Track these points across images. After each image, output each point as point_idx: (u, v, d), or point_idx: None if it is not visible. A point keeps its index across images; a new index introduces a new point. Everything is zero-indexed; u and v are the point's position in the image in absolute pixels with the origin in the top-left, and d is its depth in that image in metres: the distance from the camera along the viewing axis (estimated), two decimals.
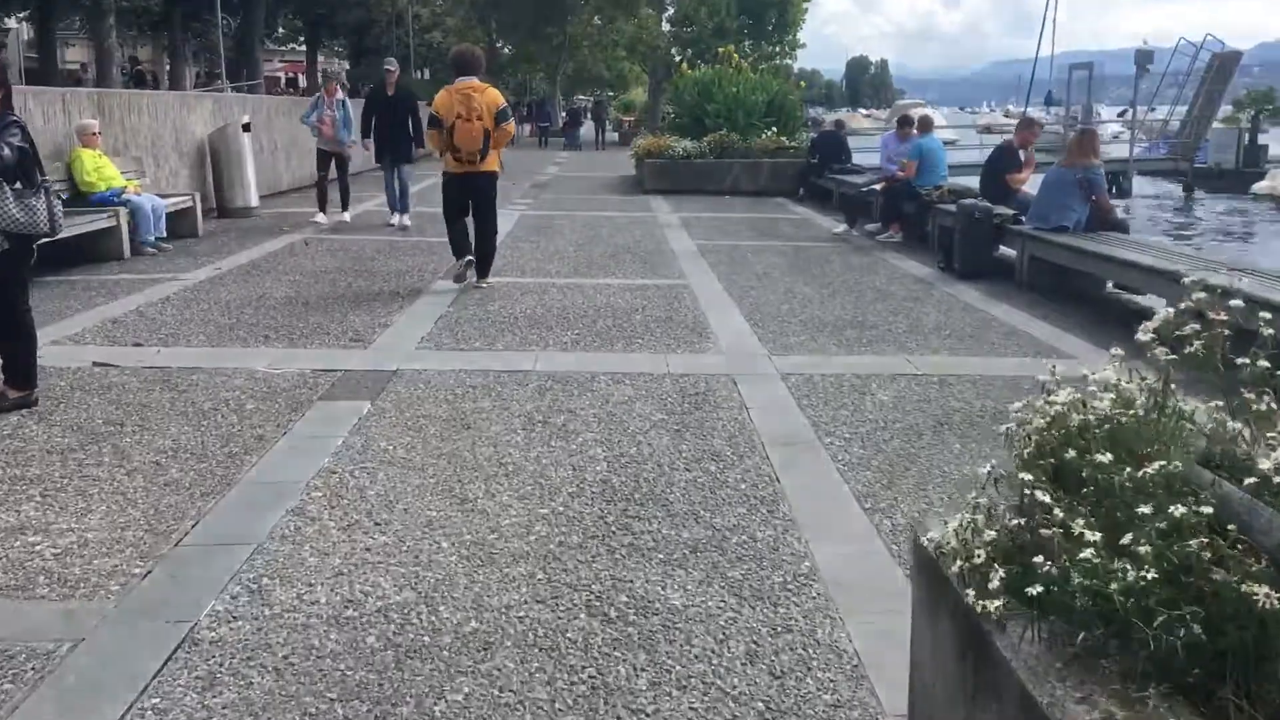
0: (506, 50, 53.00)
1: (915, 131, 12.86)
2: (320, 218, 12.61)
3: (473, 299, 8.08)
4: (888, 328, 7.28)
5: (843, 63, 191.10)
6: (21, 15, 28.32)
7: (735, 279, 9.27)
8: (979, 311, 7.92)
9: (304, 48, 54.35)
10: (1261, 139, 29.90)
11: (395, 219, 12.45)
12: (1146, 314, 2.20)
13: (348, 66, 58.61)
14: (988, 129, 63.67)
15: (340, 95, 12.88)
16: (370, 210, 13.82)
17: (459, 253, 8.72)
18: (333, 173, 12.94)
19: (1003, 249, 9.74)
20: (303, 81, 52.95)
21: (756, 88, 19.62)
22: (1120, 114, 49.47)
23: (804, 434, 4.87)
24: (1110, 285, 8.74)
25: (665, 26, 42.62)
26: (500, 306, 7.84)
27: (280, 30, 57.52)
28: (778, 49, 43.50)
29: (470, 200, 8.58)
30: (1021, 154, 10.09)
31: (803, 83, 25.95)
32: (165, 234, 10.45)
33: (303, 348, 6.41)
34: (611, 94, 69.91)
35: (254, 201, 13.84)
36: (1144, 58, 26.49)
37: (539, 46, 49.26)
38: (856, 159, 17.37)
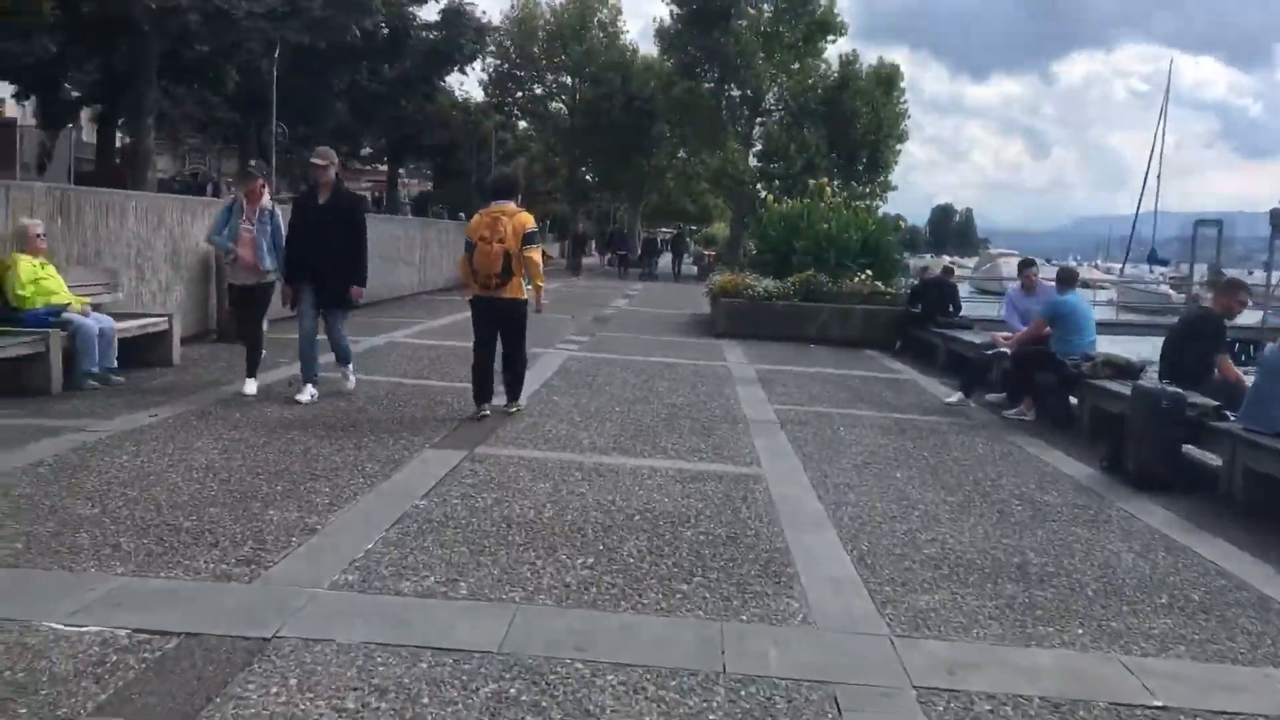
0: (590, 178, 52.24)
1: (1053, 284, 10.49)
2: (250, 386, 8.42)
3: (458, 489, 5.78)
4: (1066, 582, 4.78)
5: (926, 209, 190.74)
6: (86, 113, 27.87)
7: (826, 469, 6.88)
8: (1191, 554, 5.37)
9: (386, 166, 54.25)
10: None
11: (306, 393, 8.20)
12: None
13: (430, 187, 58.71)
14: (1085, 284, 61.22)
15: (267, 201, 8.61)
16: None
17: (477, 397, 8.07)
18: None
19: (1188, 446, 7.22)
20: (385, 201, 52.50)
21: (850, 225, 17.51)
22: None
23: None
24: None
25: (752, 161, 41.25)
26: (495, 500, 5.53)
27: (367, 149, 57.85)
28: (868, 190, 41.76)
29: (497, 329, 8.04)
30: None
31: (902, 221, 23.85)
32: (116, 363, 8.45)
33: (154, 574, 4.13)
34: (694, 228, 69.09)
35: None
36: None
37: (622, 175, 48.44)
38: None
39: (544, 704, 3.19)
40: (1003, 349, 9.72)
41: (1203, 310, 7.84)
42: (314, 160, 8.41)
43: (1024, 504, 6.27)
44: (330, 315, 8.54)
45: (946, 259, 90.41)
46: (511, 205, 7.89)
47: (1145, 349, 22.59)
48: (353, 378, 8.88)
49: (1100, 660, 3.84)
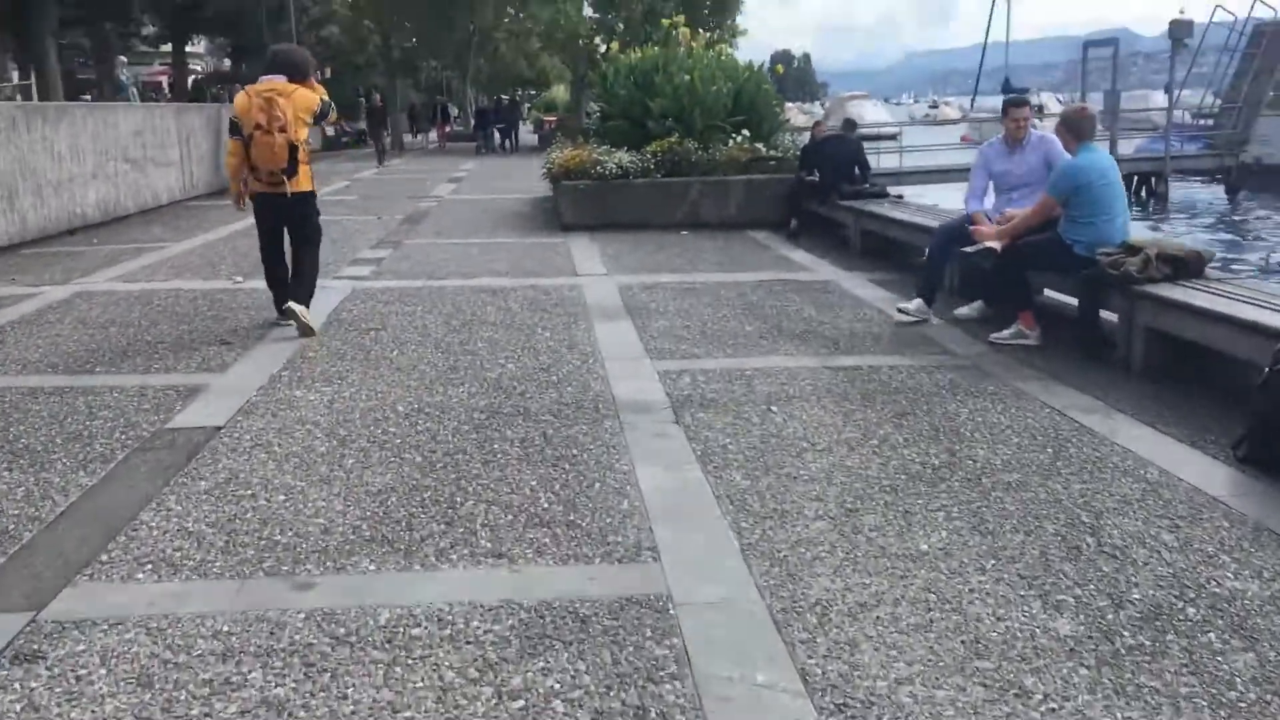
0: (410, 43, 46.54)
1: (1042, 133, 7.19)
2: None
3: None
4: None
5: (763, 56, 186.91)
6: None
7: (788, 555, 3.51)
8: None
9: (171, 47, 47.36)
10: None
11: None
12: None
13: (228, 64, 51.92)
14: (936, 120, 58.43)
15: None
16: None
17: (276, 301, 7.07)
18: None
19: None
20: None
21: (717, 75, 13.87)
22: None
23: None
24: None
25: (587, 11, 36.74)
26: None
27: (150, 28, 50.61)
28: (716, 35, 37.88)
29: (285, 228, 7.01)
30: None
31: (779, 66, 20.33)
32: None
33: None
34: (534, 92, 63.73)
35: None
36: (1182, 29, 21.28)
37: (444, 39, 43.18)
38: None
39: None
40: (989, 244, 6.41)
41: None
42: None
43: (1235, 648, 3.04)
44: None
45: (790, 106, 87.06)
46: (284, 81, 6.66)
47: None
48: None
49: None
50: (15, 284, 8.92)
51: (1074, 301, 6.80)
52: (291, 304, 6.74)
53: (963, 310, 7.11)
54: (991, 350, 6.30)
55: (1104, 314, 6.09)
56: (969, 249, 6.56)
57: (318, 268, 7.23)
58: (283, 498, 4.00)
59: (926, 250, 7.64)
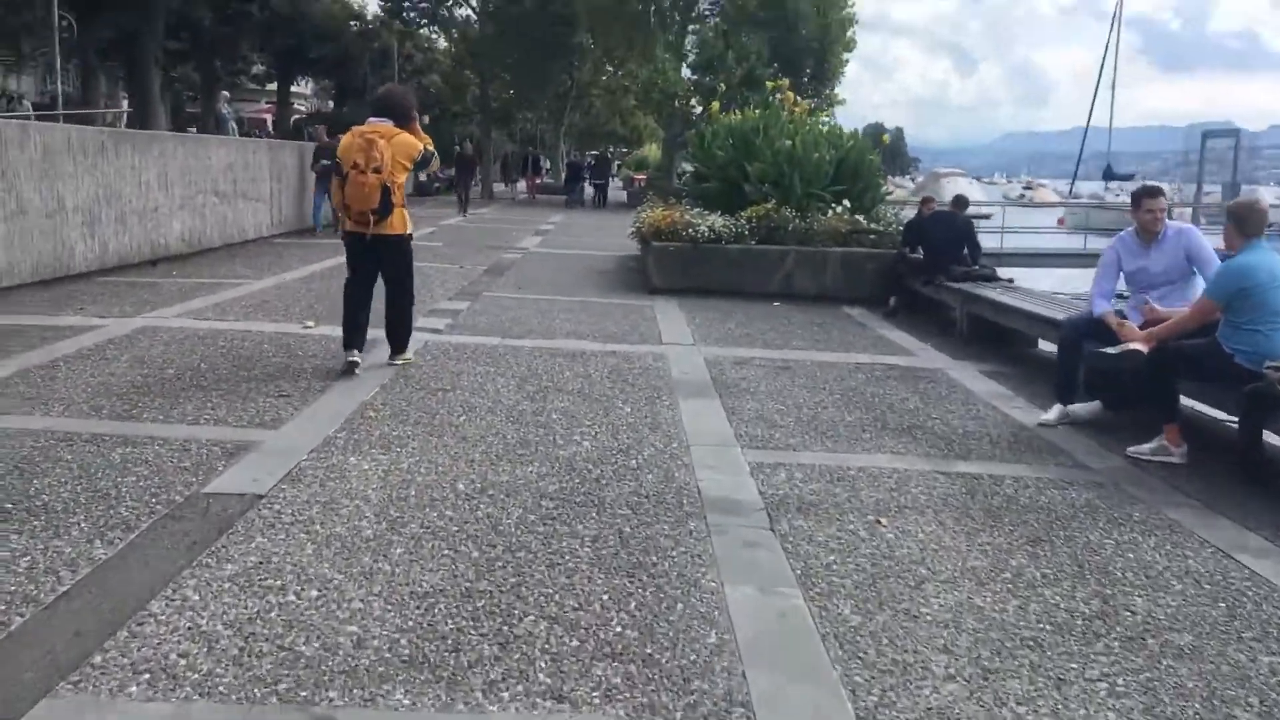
0: (508, 94, 47.03)
1: (1182, 225, 6.46)
2: None
3: None
4: None
5: (858, 128, 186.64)
6: None
7: (903, 705, 2.84)
8: None
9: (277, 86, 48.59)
10: None
11: None
12: None
13: (331, 106, 53.06)
14: (1031, 202, 57.06)
15: None
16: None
17: (347, 344, 6.84)
18: None
19: None
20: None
21: (820, 142, 13.32)
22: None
23: None
24: None
25: (685, 73, 36.64)
26: None
27: (258, 67, 52.04)
28: (814, 104, 37.50)
29: (376, 267, 6.93)
30: None
31: (886, 136, 19.74)
32: None
33: None
34: (626, 150, 64.12)
35: None
36: None
37: (541, 93, 43.52)
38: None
39: None
40: (1135, 346, 5.68)
41: None
42: None
43: None
44: None
45: (892, 180, 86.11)
46: (388, 125, 6.64)
47: None
48: None
49: None
50: (83, 314, 8.65)
51: (1221, 414, 6.07)
52: (393, 359, 7.13)
53: (1076, 407, 6.35)
54: (1129, 466, 5.54)
55: (1267, 435, 5.31)
56: (1109, 349, 5.83)
57: (412, 306, 7.26)
58: (315, 593, 3.45)
59: (1056, 347, 6.89)
